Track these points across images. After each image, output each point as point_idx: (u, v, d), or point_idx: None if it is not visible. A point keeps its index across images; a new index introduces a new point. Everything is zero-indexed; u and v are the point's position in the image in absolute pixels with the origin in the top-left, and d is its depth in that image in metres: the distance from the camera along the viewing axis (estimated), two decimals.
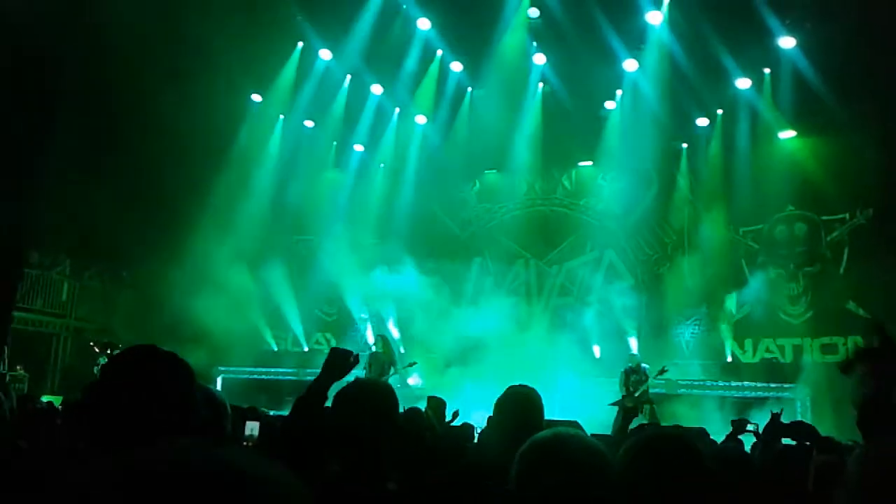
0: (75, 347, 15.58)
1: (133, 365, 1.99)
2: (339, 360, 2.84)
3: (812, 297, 15.02)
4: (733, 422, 7.02)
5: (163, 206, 14.70)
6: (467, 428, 7.89)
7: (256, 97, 16.87)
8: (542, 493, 1.83)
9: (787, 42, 14.08)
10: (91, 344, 13.78)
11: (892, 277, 12.56)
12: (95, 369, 13.24)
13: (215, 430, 2.46)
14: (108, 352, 13.32)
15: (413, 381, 14.65)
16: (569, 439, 1.88)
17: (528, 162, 17.39)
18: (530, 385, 3.57)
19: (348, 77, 16.83)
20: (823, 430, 6.25)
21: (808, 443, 5.64)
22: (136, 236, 14.27)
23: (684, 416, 11.87)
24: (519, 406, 3.38)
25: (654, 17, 14.45)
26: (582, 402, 12.68)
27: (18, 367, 14.07)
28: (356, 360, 2.90)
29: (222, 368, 15.19)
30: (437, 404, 8.89)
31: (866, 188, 14.30)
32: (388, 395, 2.62)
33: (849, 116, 13.79)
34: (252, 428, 5.77)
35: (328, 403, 2.74)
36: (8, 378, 13.11)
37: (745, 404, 12.34)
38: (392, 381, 13.45)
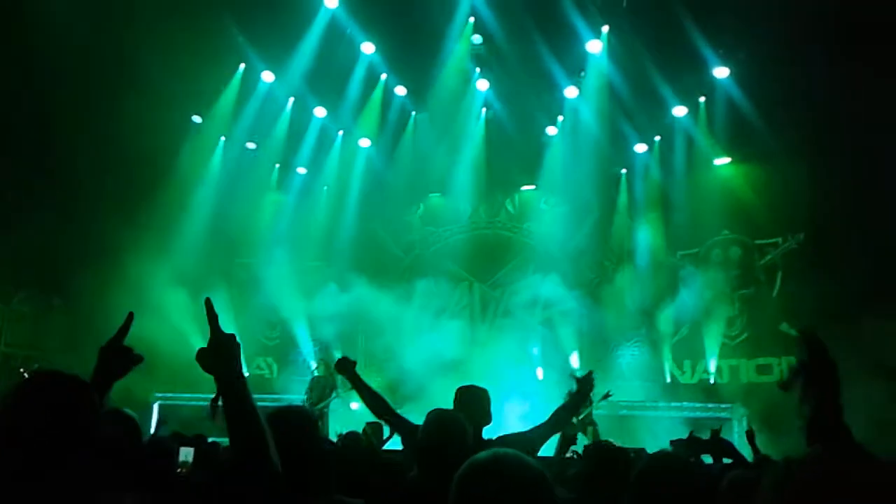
0: (4, 374, 14.96)
1: (35, 392, 1.96)
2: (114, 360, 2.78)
3: (747, 318, 15.42)
4: (672, 442, 7.14)
5: (97, 228, 14.29)
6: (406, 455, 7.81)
7: (197, 118, 16.59)
8: None
9: (721, 72, 14.53)
10: (21, 370, 13.25)
11: (822, 300, 12.95)
12: None
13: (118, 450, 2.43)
14: None
15: (356, 405, 14.47)
16: (507, 459, 1.86)
17: (472, 186, 17.51)
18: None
19: (291, 99, 16.72)
20: (762, 450, 6.39)
21: (728, 460, 5.78)
22: (68, 259, 13.84)
23: (626, 437, 11.98)
24: (444, 430, 3.42)
25: (594, 46, 14.76)
26: (525, 424, 12.66)
27: None
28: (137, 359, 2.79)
29: (159, 395, 14.76)
30: (375, 428, 8.85)
31: (798, 213, 14.78)
32: (301, 416, 2.73)
33: (780, 144, 14.27)
34: (186, 454, 5.66)
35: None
36: None
37: (686, 424, 12.52)
38: (334, 404, 13.30)
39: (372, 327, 17.03)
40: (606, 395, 12.26)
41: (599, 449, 4.17)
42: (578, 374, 4.92)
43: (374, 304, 16.20)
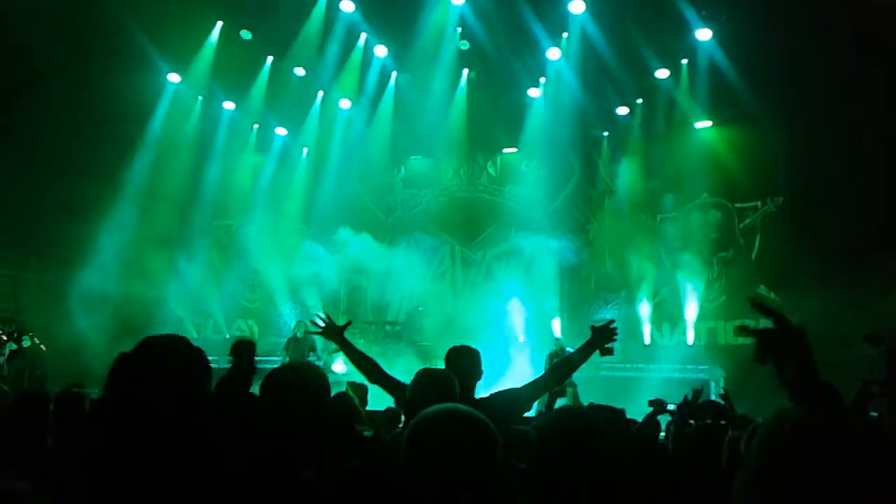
0: None
1: (164, 360, 1.89)
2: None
3: (725, 281, 15.58)
4: (650, 402, 7.24)
5: (75, 189, 14.07)
6: (392, 413, 7.84)
7: (174, 77, 16.30)
8: (429, 469, 1.79)
9: (703, 34, 14.46)
10: (0, 333, 13.14)
11: (800, 262, 13.11)
12: (1, 359, 12.67)
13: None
14: (16, 338, 12.75)
15: (338, 367, 14.51)
16: (458, 415, 1.85)
17: (454, 148, 17.43)
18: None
19: (270, 58, 16.46)
20: (739, 410, 6.51)
21: (722, 422, 5.87)
22: (46, 221, 13.65)
23: (606, 398, 12.12)
24: (431, 387, 3.42)
25: (576, 7, 14.62)
26: (506, 385, 12.78)
27: None
28: None
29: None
30: (359, 391, 8.83)
31: (776, 177, 14.89)
32: (320, 378, 2.52)
33: (761, 108, 14.29)
34: None
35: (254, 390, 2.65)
36: None
37: (665, 386, 12.69)
38: None
39: (354, 291, 17.08)
40: (609, 351, 12.33)
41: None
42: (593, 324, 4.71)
43: (357, 268, 16.23)
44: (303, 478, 2.30)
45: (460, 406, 1.90)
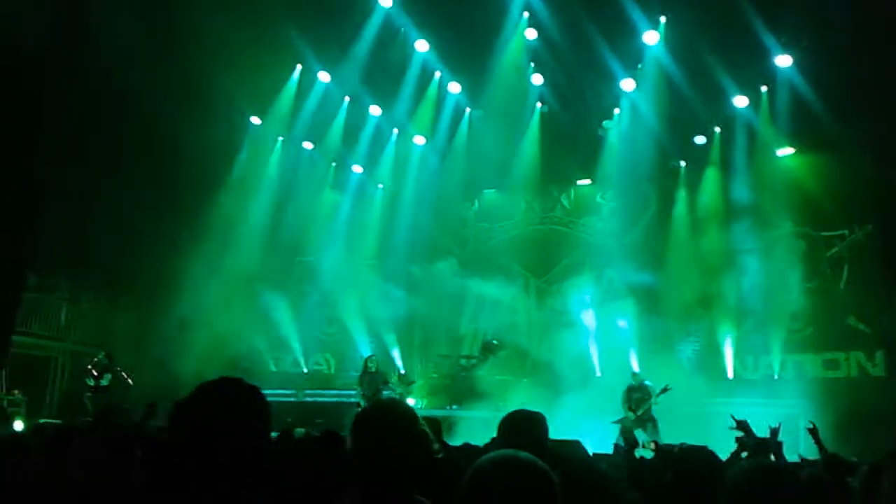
0: (73, 371, 15.48)
1: (224, 400, 1.99)
2: None
3: (812, 312, 14.99)
4: (737, 439, 6.98)
5: (161, 228, 14.69)
6: (469, 449, 7.79)
7: (255, 120, 16.90)
8: None
9: (783, 60, 14.16)
10: (88, 367, 13.69)
11: (891, 292, 12.54)
12: (88, 394, 13.17)
13: None
14: (97, 376, 13.23)
15: (411, 401, 14.57)
16: (517, 462, 1.83)
17: (527, 181, 17.43)
18: (529, 404, 3.60)
19: (347, 98, 16.88)
20: (826, 446, 6.21)
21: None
22: (133, 260, 14.24)
23: (687, 434, 11.78)
24: (521, 428, 3.37)
25: (651, 37, 14.54)
26: (584, 420, 12.62)
27: (16, 391, 13.98)
28: None
29: None
30: (434, 425, 8.84)
31: (864, 204, 14.35)
32: (411, 412, 2.56)
33: (846, 133, 13.85)
34: None
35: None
36: (5, 402, 13.02)
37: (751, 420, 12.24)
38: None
39: (429, 324, 17.17)
40: (665, 390, 12.11)
41: (685, 454, 3.89)
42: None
43: (432, 302, 16.34)
44: None
45: (519, 453, 1.88)
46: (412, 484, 2.38)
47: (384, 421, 2.46)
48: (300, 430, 9.35)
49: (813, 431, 6.22)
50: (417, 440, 2.46)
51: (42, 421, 11.91)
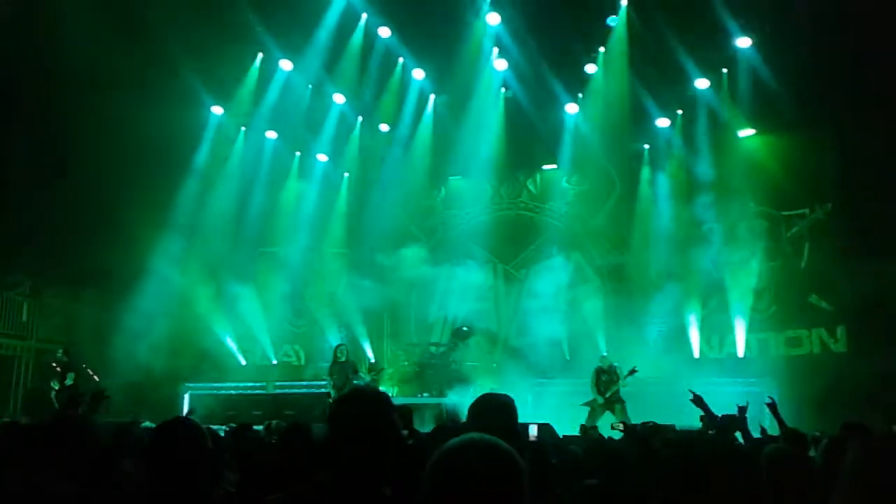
0: (37, 368, 15.23)
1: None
2: None
3: (775, 291, 15.25)
4: (701, 418, 7.12)
5: (122, 221, 14.47)
6: (441, 432, 7.83)
7: (217, 109, 16.67)
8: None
9: (743, 42, 14.30)
10: (53, 365, 13.46)
11: (851, 269, 12.79)
12: (52, 394, 12.96)
13: None
14: (61, 376, 13.01)
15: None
16: (478, 444, 1.85)
17: (493, 167, 17.45)
18: (499, 389, 3.65)
19: (309, 87, 16.72)
20: (790, 422, 6.36)
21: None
22: (96, 253, 14.01)
23: (655, 413, 11.95)
24: (491, 412, 3.37)
25: (613, 20, 14.61)
26: (553, 403, 12.73)
27: None
28: None
29: (190, 385, 14.92)
30: (405, 413, 8.88)
31: (824, 183, 14.58)
32: (386, 398, 2.62)
33: (805, 114, 14.07)
34: None
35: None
36: None
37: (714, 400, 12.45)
38: None
39: (398, 312, 17.17)
40: (632, 371, 12.27)
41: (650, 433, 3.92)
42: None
43: (400, 290, 16.33)
44: (383, 495, 2.36)
45: (484, 436, 1.88)
46: (382, 471, 2.41)
47: (361, 406, 2.50)
48: (274, 423, 9.33)
49: (772, 406, 6.38)
50: (391, 427, 2.50)
51: (6, 420, 11.69)
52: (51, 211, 13.78)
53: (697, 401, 6.57)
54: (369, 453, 2.38)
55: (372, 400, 2.55)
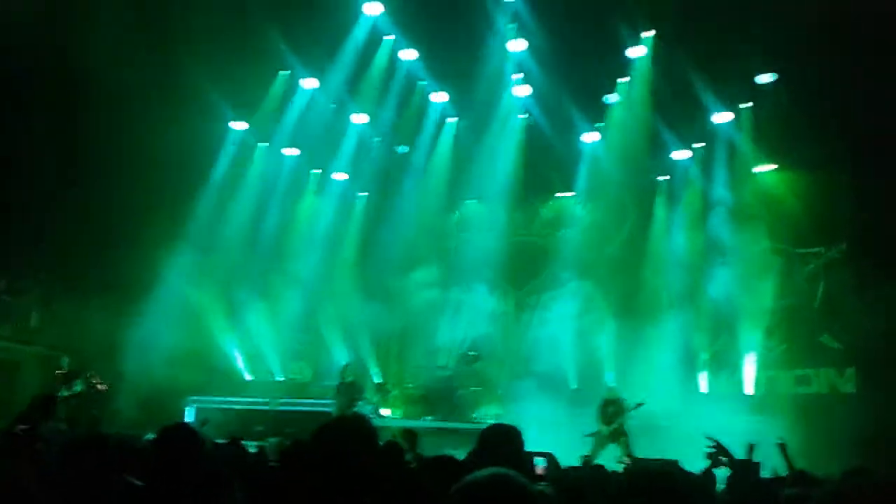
0: (44, 376, 15.24)
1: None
2: None
3: (787, 329, 15.11)
4: (709, 455, 7.00)
5: (137, 232, 14.56)
6: (448, 461, 7.76)
7: (238, 125, 16.81)
8: None
9: (765, 78, 14.32)
10: (57, 372, 13.47)
11: (864, 310, 12.67)
12: (60, 398, 12.97)
13: None
14: (69, 383, 13.01)
15: (386, 411, 14.51)
16: (502, 481, 1.90)
17: (508, 191, 17.46)
18: (504, 415, 3.76)
19: (332, 105, 16.81)
20: (796, 463, 6.26)
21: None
22: (108, 262, 14.09)
23: (661, 448, 11.81)
24: (499, 442, 3.47)
25: (637, 51, 14.67)
26: (557, 433, 12.63)
27: None
28: None
29: (194, 398, 14.87)
30: (410, 437, 8.86)
31: (840, 222, 14.49)
32: (366, 423, 2.84)
33: (824, 152, 14.02)
34: None
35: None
36: None
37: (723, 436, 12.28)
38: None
39: (406, 334, 17.12)
40: (639, 405, 12.16)
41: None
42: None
43: (410, 311, 16.30)
44: None
45: (500, 471, 1.94)
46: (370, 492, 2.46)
47: (340, 434, 2.71)
48: (273, 440, 9.31)
49: (782, 448, 6.28)
50: (372, 448, 2.71)
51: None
52: (64, 219, 13.88)
53: (720, 449, 6.46)
54: (354, 473, 2.56)
55: (354, 424, 2.80)
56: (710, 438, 6.52)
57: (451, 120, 17.49)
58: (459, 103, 16.77)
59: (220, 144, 16.79)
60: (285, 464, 5.09)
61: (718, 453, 6.44)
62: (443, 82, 16.42)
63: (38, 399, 7.32)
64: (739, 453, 6.46)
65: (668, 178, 17.00)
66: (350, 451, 2.60)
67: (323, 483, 2.52)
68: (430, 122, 17.19)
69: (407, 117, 16.86)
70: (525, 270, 17.78)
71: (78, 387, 12.99)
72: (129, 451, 4.87)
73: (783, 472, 6.41)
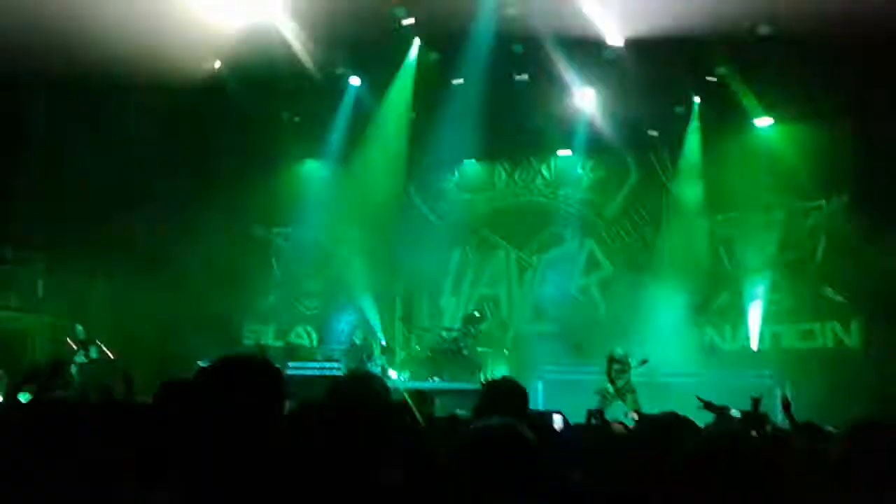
0: (52, 344, 15.34)
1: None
2: None
3: (789, 283, 15.16)
4: (712, 408, 7.09)
5: (141, 195, 14.54)
6: (454, 420, 7.84)
7: None
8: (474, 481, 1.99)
9: (764, 29, 14.11)
10: (68, 340, 13.56)
11: (867, 263, 12.71)
12: (73, 368, 13.05)
13: None
14: (85, 349, 13.11)
15: (393, 373, 14.61)
16: (498, 431, 2.03)
17: (508, 151, 17.35)
18: (512, 375, 3.81)
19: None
20: (802, 416, 6.33)
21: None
22: (111, 230, 14.09)
23: (667, 404, 11.92)
24: (503, 397, 3.49)
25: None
26: (564, 391, 12.73)
27: None
28: None
29: (200, 363, 14.97)
30: (420, 397, 8.89)
31: (841, 175, 14.44)
32: (379, 380, 2.99)
33: (825, 104, 13.91)
34: None
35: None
36: None
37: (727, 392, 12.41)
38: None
39: (410, 296, 17.18)
40: (643, 362, 12.27)
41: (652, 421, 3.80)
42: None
43: (412, 274, 16.34)
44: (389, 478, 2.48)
45: (500, 423, 2.06)
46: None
47: (356, 389, 2.78)
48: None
49: (786, 406, 6.35)
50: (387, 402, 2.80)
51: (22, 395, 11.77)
52: (66, 187, 13.87)
53: (709, 406, 6.61)
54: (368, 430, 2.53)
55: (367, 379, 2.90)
56: (699, 399, 6.68)
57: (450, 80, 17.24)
58: (455, 62, 16.50)
59: None
60: (293, 424, 5.10)
61: (709, 409, 6.59)
62: (437, 42, 16.19)
63: (48, 363, 7.33)
64: (746, 406, 6.57)
65: (665, 133, 16.86)
66: (366, 406, 2.63)
67: (338, 438, 2.51)
68: (427, 81, 16.96)
69: (403, 77, 16.66)
70: (526, 230, 17.73)
71: (94, 353, 13.10)
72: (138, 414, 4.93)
73: (786, 426, 6.49)
